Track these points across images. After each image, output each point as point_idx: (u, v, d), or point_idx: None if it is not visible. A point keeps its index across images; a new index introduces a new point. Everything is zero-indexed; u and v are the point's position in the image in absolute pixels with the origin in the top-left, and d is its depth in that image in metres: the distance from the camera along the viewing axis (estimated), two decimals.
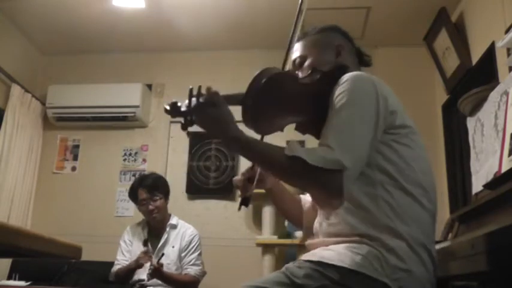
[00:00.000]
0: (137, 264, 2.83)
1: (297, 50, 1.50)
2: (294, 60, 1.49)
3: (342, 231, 1.23)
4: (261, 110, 1.26)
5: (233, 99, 1.26)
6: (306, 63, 1.45)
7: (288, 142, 1.20)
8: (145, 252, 2.82)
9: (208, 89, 1.23)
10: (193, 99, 1.20)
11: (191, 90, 1.20)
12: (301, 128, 1.40)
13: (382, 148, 1.23)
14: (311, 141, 1.40)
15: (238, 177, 1.49)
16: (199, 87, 1.21)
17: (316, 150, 1.16)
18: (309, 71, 1.40)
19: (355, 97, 1.22)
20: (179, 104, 1.21)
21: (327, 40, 1.48)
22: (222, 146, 3.74)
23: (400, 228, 1.17)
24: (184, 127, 1.21)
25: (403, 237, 1.16)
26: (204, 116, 1.21)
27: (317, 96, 1.31)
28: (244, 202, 1.42)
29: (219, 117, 1.21)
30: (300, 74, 1.45)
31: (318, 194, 1.26)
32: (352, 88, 1.23)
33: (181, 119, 1.20)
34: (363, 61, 1.54)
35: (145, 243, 2.85)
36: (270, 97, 1.26)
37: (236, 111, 1.26)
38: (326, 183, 1.14)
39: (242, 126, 1.25)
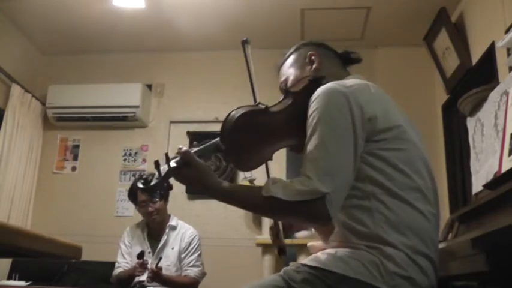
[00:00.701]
0: (135, 274, 2.82)
1: (280, 76, 1.54)
2: (280, 87, 1.52)
3: (341, 237, 1.23)
4: (239, 151, 1.30)
5: (207, 150, 1.31)
6: (288, 84, 1.48)
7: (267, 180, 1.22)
8: (140, 264, 2.80)
9: (179, 150, 1.27)
10: (164, 167, 1.24)
11: (156, 161, 1.26)
12: (294, 149, 1.40)
13: (368, 158, 1.21)
14: None
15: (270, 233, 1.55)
16: (166, 154, 1.26)
17: (293, 183, 1.16)
18: (281, 97, 1.40)
19: (326, 114, 1.21)
20: (149, 178, 1.26)
21: (301, 55, 1.50)
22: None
23: (396, 240, 1.15)
24: (165, 198, 1.27)
25: (400, 248, 1.14)
26: (180, 178, 1.26)
27: (297, 117, 1.30)
28: (281, 252, 1.48)
29: (193, 176, 1.25)
30: None
31: (308, 224, 1.28)
32: (321, 106, 1.22)
33: (157, 190, 1.27)
34: (350, 60, 1.52)
35: (139, 256, 2.81)
36: (244, 136, 1.28)
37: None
38: (309, 214, 1.15)
39: None
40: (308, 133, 1.22)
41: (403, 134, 1.26)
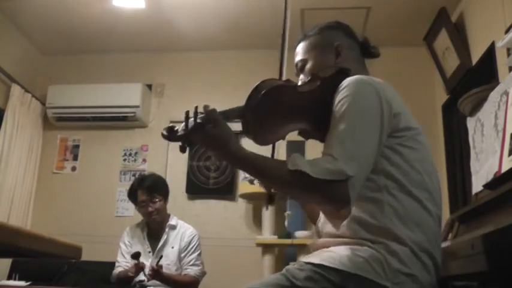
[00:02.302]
0: (133, 274, 2.82)
1: (298, 53, 1.50)
2: (296, 64, 1.49)
3: (345, 233, 1.23)
4: (260, 123, 1.26)
5: (232, 114, 1.26)
6: (307, 67, 1.45)
7: (287, 157, 1.19)
8: (135, 265, 2.80)
9: (206, 108, 1.21)
10: (191, 120, 1.19)
11: (187, 113, 1.19)
12: (304, 134, 1.40)
13: (387, 152, 1.22)
14: (311, 144, 1.41)
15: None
16: (196, 107, 1.20)
17: (319, 161, 1.15)
18: (308, 78, 1.39)
19: (357, 103, 1.21)
20: (176, 128, 1.20)
21: (326, 41, 1.46)
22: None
23: (403, 235, 1.16)
24: (182, 149, 1.21)
25: (406, 244, 1.15)
26: (203, 136, 1.19)
27: (318, 103, 1.30)
28: (270, 201, 1.42)
29: (217, 135, 1.19)
30: (302, 77, 1.45)
31: (325, 206, 1.26)
32: (353, 93, 1.22)
33: (179, 143, 1.20)
34: (369, 53, 1.52)
35: (135, 257, 2.80)
36: (269, 109, 1.26)
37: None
38: (332, 194, 1.14)
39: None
40: (336, 117, 1.22)
41: (419, 137, 1.28)
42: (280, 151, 1.48)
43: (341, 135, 1.18)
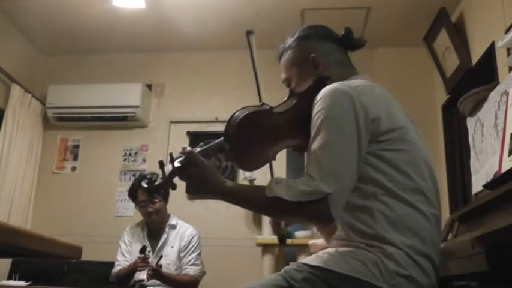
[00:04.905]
0: (136, 269, 2.83)
1: (281, 69, 1.52)
2: (283, 82, 1.51)
3: (341, 236, 1.23)
4: (242, 152, 1.30)
5: (211, 149, 1.31)
6: (292, 85, 1.46)
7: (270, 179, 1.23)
8: (142, 259, 2.81)
9: (184, 149, 1.27)
10: (168, 167, 1.24)
11: (161, 161, 1.25)
12: (298, 149, 1.41)
13: (370, 159, 1.21)
14: None
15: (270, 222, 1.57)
16: (171, 154, 1.25)
17: (296, 183, 1.17)
18: (286, 97, 1.41)
19: (330, 115, 1.21)
20: (153, 178, 1.26)
21: (302, 55, 1.45)
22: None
23: (396, 239, 1.15)
24: (165, 199, 1.27)
25: (400, 248, 1.15)
26: (183, 177, 1.26)
27: (301, 117, 1.31)
28: (282, 241, 1.51)
29: (197, 175, 1.25)
30: None
31: (310, 224, 1.29)
32: (327, 106, 1.22)
33: (161, 190, 1.27)
34: (352, 46, 1.48)
35: (142, 251, 2.82)
36: (247, 137, 1.29)
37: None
38: (311, 214, 1.17)
39: None
40: (312, 133, 1.23)
41: (406, 136, 1.26)
42: (280, 157, 1.50)
43: (317, 153, 1.19)
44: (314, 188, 1.13)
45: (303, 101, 1.33)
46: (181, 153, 1.26)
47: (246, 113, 1.30)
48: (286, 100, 1.39)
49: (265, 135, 1.33)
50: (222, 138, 1.30)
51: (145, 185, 1.26)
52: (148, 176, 1.28)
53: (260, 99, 1.48)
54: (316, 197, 1.12)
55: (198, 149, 1.30)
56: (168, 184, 1.24)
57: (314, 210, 1.14)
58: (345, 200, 1.17)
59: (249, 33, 1.57)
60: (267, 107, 1.37)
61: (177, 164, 1.24)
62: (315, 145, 1.20)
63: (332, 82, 1.30)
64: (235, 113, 1.31)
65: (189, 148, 1.27)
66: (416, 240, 1.17)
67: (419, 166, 1.25)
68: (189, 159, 1.25)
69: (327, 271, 1.14)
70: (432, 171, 1.30)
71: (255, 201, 1.25)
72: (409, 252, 1.15)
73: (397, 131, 1.24)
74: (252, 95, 1.61)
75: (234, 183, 1.33)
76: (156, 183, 1.24)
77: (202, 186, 1.26)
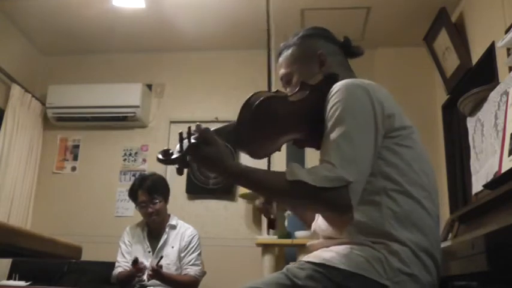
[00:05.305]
0: (135, 273, 2.83)
1: (281, 65, 1.49)
2: (281, 77, 1.49)
3: (347, 234, 1.22)
4: (254, 137, 1.26)
5: (225, 130, 1.27)
6: (294, 80, 1.44)
7: (287, 165, 1.19)
8: (137, 269, 2.80)
9: (198, 127, 1.21)
10: (185, 142, 1.19)
11: (181, 134, 1.20)
12: (299, 144, 1.40)
13: (383, 153, 1.21)
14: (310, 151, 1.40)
15: (258, 201, 1.50)
16: (189, 127, 1.20)
17: (318, 169, 1.15)
18: (297, 87, 1.38)
19: (349, 107, 1.21)
20: (171, 151, 1.20)
21: (307, 52, 1.45)
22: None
23: (403, 236, 1.16)
24: (179, 171, 1.21)
25: (406, 244, 1.15)
26: (198, 156, 1.19)
27: (310, 111, 1.30)
28: (271, 225, 1.45)
29: (212, 154, 1.19)
30: (289, 91, 1.44)
31: (328, 213, 1.26)
32: (345, 97, 1.22)
33: (176, 165, 1.20)
34: (351, 53, 1.49)
35: (134, 263, 2.80)
36: (262, 123, 1.26)
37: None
38: (333, 201, 1.14)
39: None
40: (330, 123, 1.22)
41: (413, 135, 1.28)
42: (280, 156, 1.49)
43: (337, 141, 1.18)
44: (338, 175, 1.12)
45: (314, 94, 1.32)
46: (195, 131, 1.21)
47: (263, 97, 1.26)
48: (298, 90, 1.36)
49: (279, 122, 1.29)
50: (235, 121, 1.26)
51: (161, 157, 1.19)
52: (166, 148, 1.20)
53: (269, 88, 1.45)
54: (340, 184, 1.12)
55: (212, 128, 1.25)
56: (183, 160, 1.18)
57: (336, 198, 1.13)
58: (362, 190, 1.17)
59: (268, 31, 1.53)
60: (283, 94, 1.35)
61: (192, 140, 1.18)
62: (334, 134, 1.19)
63: (342, 79, 1.30)
64: (251, 97, 1.27)
65: (204, 126, 1.22)
66: (420, 236, 1.18)
67: (424, 164, 1.27)
68: (204, 137, 1.19)
69: (331, 268, 1.14)
70: (433, 172, 1.31)
71: (274, 185, 1.19)
72: (414, 249, 1.15)
73: (407, 129, 1.27)
74: None
75: (249, 166, 1.22)
76: (173, 156, 1.18)
77: (215, 166, 1.20)
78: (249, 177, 1.21)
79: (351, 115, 1.20)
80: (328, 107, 1.24)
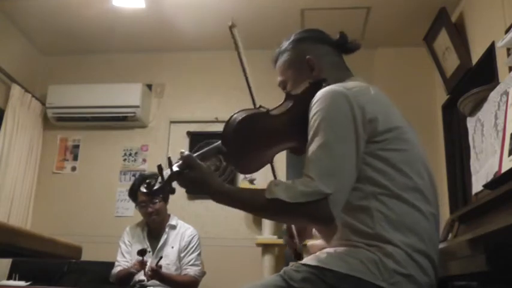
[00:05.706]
0: (134, 271, 2.82)
1: (277, 72, 1.52)
2: (279, 84, 1.51)
3: (341, 236, 1.23)
4: (240, 155, 1.30)
5: (209, 153, 1.32)
6: (288, 87, 1.47)
7: (269, 182, 1.22)
8: (140, 262, 2.80)
9: (181, 154, 1.27)
10: (166, 171, 1.24)
11: (159, 166, 1.24)
12: (295, 152, 1.41)
13: (369, 159, 1.21)
14: None
15: (285, 237, 1.56)
16: (169, 158, 1.26)
17: (296, 184, 1.16)
18: (283, 99, 1.41)
19: (328, 116, 1.21)
20: (152, 183, 1.25)
21: (298, 57, 1.46)
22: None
23: (395, 238, 1.16)
24: (165, 199, 1.26)
25: (400, 247, 1.15)
26: (185, 181, 1.26)
27: (298, 120, 1.31)
28: (297, 257, 1.50)
29: (195, 179, 1.25)
30: None
31: (311, 225, 1.29)
32: (324, 107, 1.22)
33: (160, 195, 1.27)
34: (346, 50, 1.49)
35: (141, 253, 2.81)
36: (245, 140, 1.29)
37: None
38: (313, 214, 1.16)
39: None
40: (310, 135, 1.23)
41: (403, 135, 1.27)
42: (281, 164, 1.51)
43: (316, 154, 1.18)
44: (314, 189, 1.13)
45: (300, 104, 1.33)
46: (179, 158, 1.26)
47: (243, 115, 1.30)
48: (282, 103, 1.39)
49: (262, 138, 1.33)
50: (219, 142, 1.30)
51: (144, 190, 1.26)
52: (147, 181, 1.27)
53: (253, 101, 1.49)
54: (316, 198, 1.12)
55: (195, 153, 1.30)
56: (166, 188, 1.24)
57: (314, 211, 1.14)
58: (345, 199, 1.17)
59: (231, 27, 1.57)
60: (264, 110, 1.37)
61: (175, 168, 1.24)
62: (313, 146, 1.20)
63: (328, 84, 1.30)
64: (232, 116, 1.31)
65: (186, 152, 1.27)
66: (415, 238, 1.17)
67: (417, 165, 1.26)
68: (186, 163, 1.25)
69: (326, 270, 1.15)
70: (429, 170, 1.30)
71: (255, 204, 1.24)
72: (408, 251, 1.15)
73: (394, 131, 1.25)
74: None
75: (233, 187, 1.32)
76: (155, 187, 1.24)
77: (200, 188, 1.26)
78: (232, 197, 1.27)
79: (330, 125, 1.20)
80: (310, 117, 1.25)
